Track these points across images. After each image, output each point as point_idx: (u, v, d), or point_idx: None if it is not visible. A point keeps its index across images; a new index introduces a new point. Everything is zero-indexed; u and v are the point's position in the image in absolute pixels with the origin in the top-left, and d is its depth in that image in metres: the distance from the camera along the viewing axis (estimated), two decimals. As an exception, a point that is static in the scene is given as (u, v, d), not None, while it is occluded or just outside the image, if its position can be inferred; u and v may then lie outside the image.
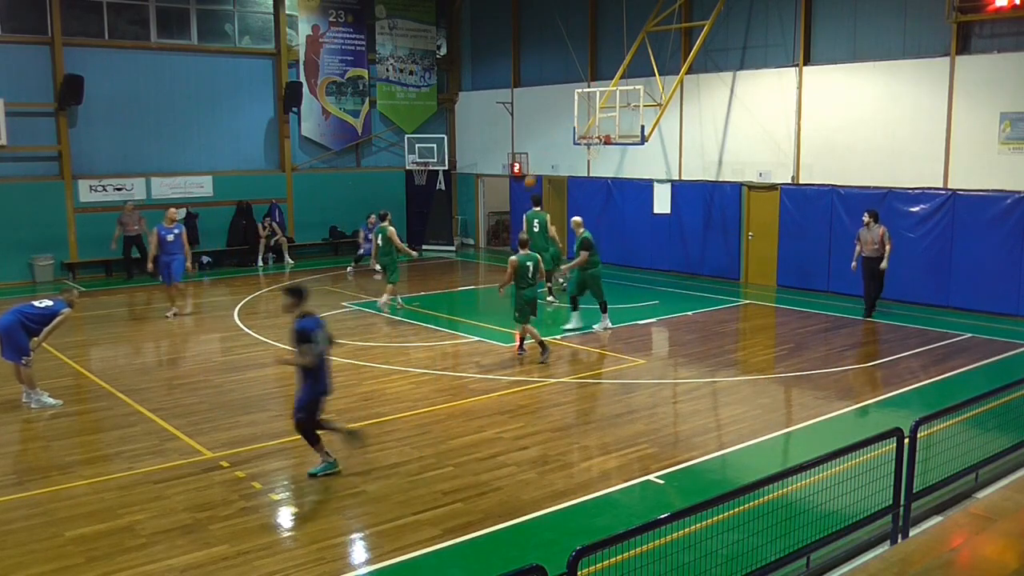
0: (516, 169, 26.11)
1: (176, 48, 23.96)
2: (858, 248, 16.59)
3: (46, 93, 22.13)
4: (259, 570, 7.15)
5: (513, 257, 13.76)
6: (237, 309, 18.12)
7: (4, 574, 7.12)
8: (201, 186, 24.44)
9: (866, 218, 16.52)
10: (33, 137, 22.05)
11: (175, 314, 17.34)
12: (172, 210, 18.04)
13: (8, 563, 7.30)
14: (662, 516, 5.87)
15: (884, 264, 16.31)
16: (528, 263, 13.76)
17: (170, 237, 17.24)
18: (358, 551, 7.73)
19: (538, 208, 18.96)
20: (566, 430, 10.55)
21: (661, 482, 8.91)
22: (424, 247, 27.31)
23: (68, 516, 8.21)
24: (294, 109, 25.64)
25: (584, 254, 15.44)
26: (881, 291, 16.87)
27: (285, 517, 8.39)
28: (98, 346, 15.52)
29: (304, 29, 25.81)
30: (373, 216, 21.26)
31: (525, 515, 8.15)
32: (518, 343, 14.16)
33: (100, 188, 23.04)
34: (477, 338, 15.43)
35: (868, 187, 18.47)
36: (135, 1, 23.31)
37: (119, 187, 23.25)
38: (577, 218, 16.49)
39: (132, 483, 9.00)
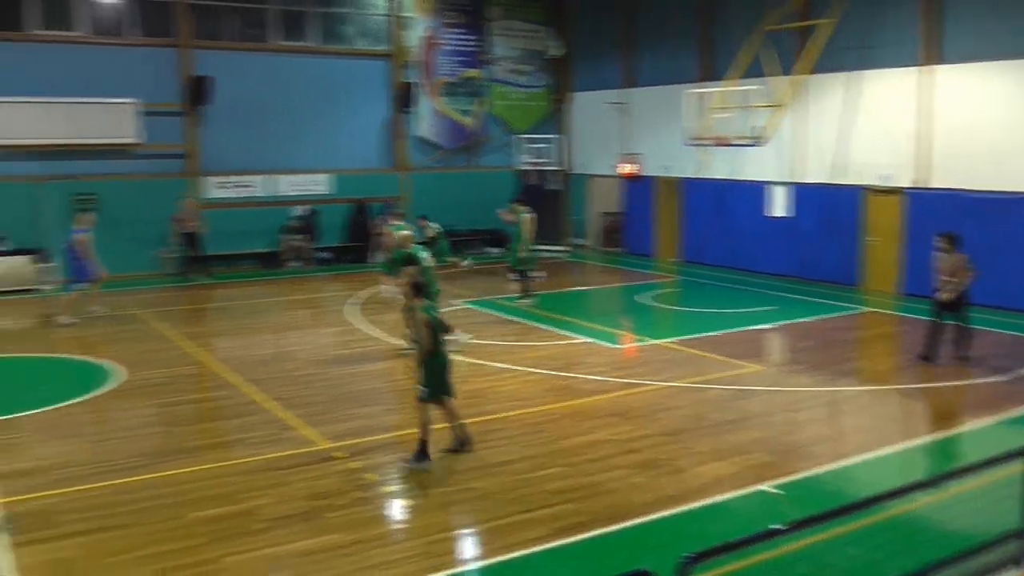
0: (627, 169, 25.95)
1: (297, 50, 24.69)
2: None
3: (177, 94, 23.09)
4: (371, 560, 7.29)
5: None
6: (351, 304, 18.53)
7: (133, 549, 7.45)
8: (320, 184, 25.12)
9: (940, 243, 13.49)
10: (164, 136, 23.02)
11: None
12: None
13: (137, 540, 7.64)
14: (778, 526, 5.73)
15: (945, 295, 13.31)
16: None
17: None
18: (467, 547, 7.82)
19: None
20: (678, 434, 10.43)
21: (776, 491, 8.72)
22: (534, 247, 27.36)
23: (193, 498, 8.54)
24: (409, 109, 26.07)
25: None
26: (965, 331, 13.61)
27: (397, 509, 8.54)
28: (221, 336, 16.09)
29: (419, 30, 26.23)
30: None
31: (635, 519, 8.08)
32: None
33: (226, 185, 23.92)
34: (587, 339, 15.40)
35: (1000, 192, 17.66)
36: (259, 5, 24.12)
37: (243, 184, 24.11)
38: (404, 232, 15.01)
39: (253, 469, 9.30)
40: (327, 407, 11.61)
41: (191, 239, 22.44)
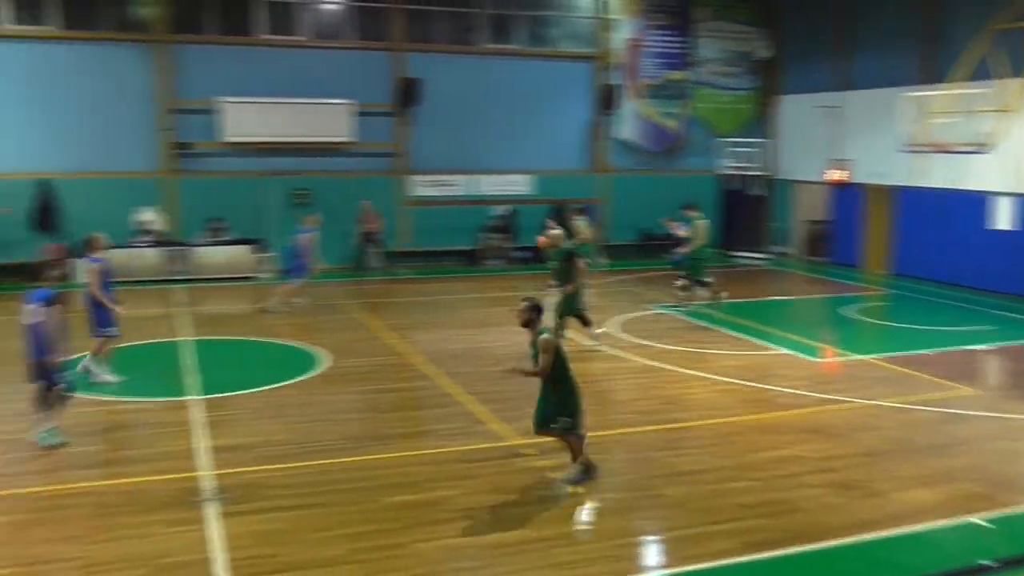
0: (836, 176, 24.87)
1: (503, 53, 25.20)
2: None
3: (388, 95, 24.10)
4: (556, 558, 7.32)
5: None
6: (546, 304, 18.71)
7: (331, 527, 7.82)
8: (520, 184, 25.54)
9: None
10: (375, 135, 24.09)
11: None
12: None
13: (335, 518, 8.01)
14: (987, 563, 5.29)
15: None
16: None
17: None
18: (653, 553, 7.72)
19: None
20: (878, 456, 9.89)
21: (987, 525, 8.10)
22: (735, 253, 26.79)
23: (387, 484, 8.86)
24: (610, 112, 26.06)
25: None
26: None
27: (584, 510, 8.54)
28: (421, 329, 16.61)
29: (624, 32, 26.15)
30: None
31: (827, 541, 7.72)
32: None
33: (431, 184, 24.76)
34: (786, 350, 14.86)
35: None
36: (468, 9, 24.78)
37: (448, 183, 24.88)
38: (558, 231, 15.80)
39: (444, 460, 9.55)
40: (519, 404, 11.72)
41: (369, 238, 23.31)
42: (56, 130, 22.09)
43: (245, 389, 12.24)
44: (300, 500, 8.42)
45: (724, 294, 18.25)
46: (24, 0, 21.64)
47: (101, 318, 12.34)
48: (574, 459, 8.97)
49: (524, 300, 9.12)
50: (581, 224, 17.97)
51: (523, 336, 14.88)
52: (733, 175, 27.26)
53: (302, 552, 7.36)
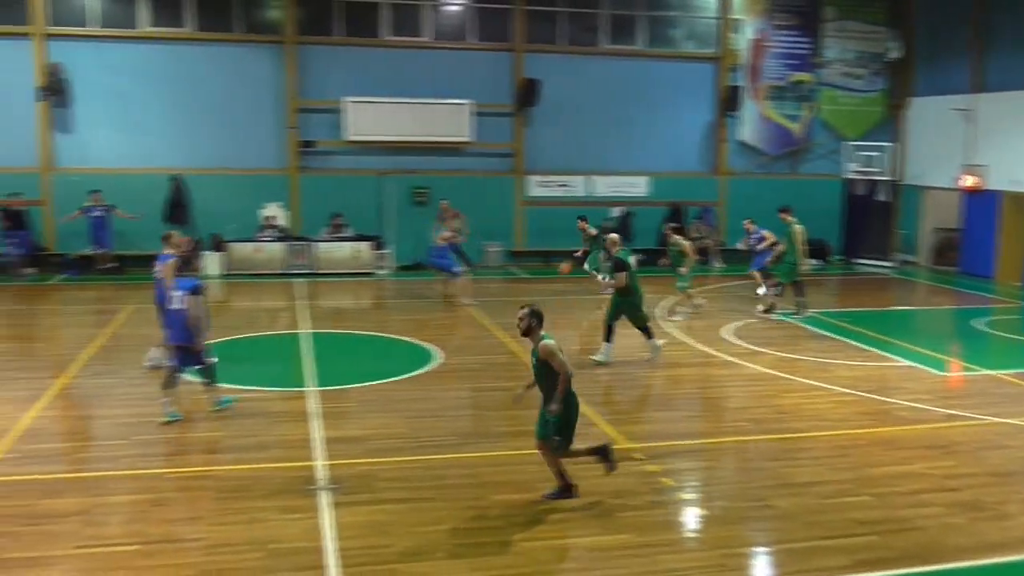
0: (969, 182, 23.80)
1: (623, 53, 25.06)
2: None
3: (507, 95, 24.28)
4: (660, 564, 7.24)
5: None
6: (660, 308, 18.53)
7: (438, 522, 7.93)
8: (637, 186, 25.35)
9: None
10: (493, 135, 24.31)
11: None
12: None
13: (442, 514, 8.12)
14: None
15: None
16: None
17: None
18: (761, 566, 7.55)
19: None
20: (1009, 477, 9.42)
21: None
22: (859, 261, 25.98)
23: (494, 481, 8.93)
24: (732, 113, 25.61)
25: (621, 275, 13.65)
26: None
27: (691, 517, 8.42)
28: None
29: (748, 32, 25.66)
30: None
31: (947, 563, 7.41)
32: None
33: (547, 184, 24.84)
34: (910, 362, 14.30)
35: None
36: (590, 10, 24.73)
37: (563, 184, 24.91)
38: (614, 235, 14.93)
39: (552, 461, 9.55)
40: (630, 407, 11.70)
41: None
42: (189, 127, 23.08)
43: (360, 382, 12.51)
44: (409, 493, 8.56)
45: (809, 311, 17.73)
46: (162, 3, 22.67)
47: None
48: (557, 476, 8.47)
49: (523, 307, 8.70)
50: (679, 239, 17.35)
51: (633, 339, 14.83)
52: (858, 180, 26.41)
53: (410, 544, 7.48)
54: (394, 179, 23.50)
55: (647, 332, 13.86)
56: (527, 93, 23.90)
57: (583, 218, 19.06)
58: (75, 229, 21.79)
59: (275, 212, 23.03)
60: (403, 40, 23.83)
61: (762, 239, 18.84)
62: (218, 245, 22.51)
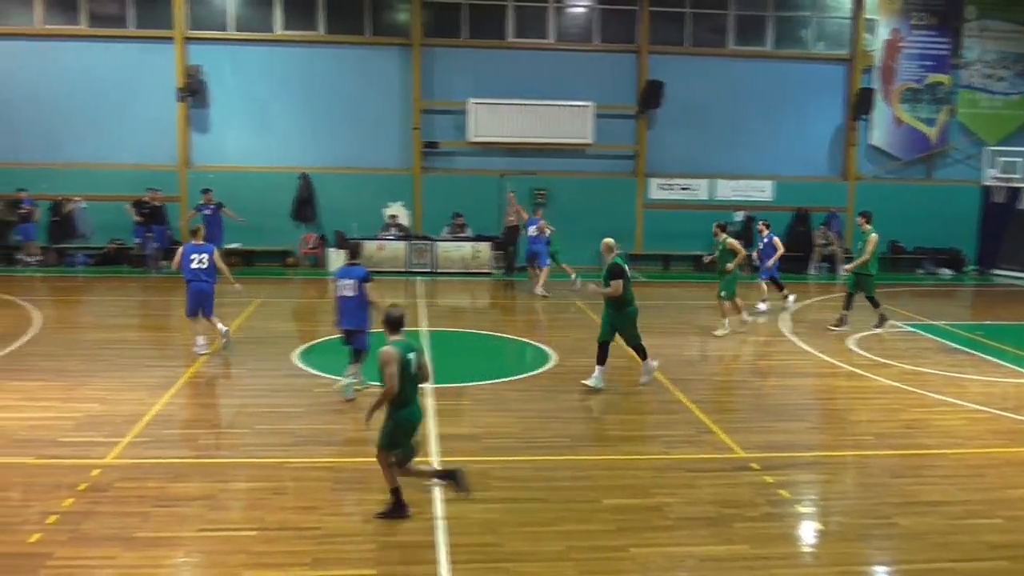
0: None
1: (750, 55, 24.56)
2: None
3: (630, 97, 24.10)
4: (776, 579, 7.04)
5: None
6: (783, 314, 18.06)
7: (548, 523, 7.89)
8: (762, 190, 24.80)
9: None
10: (614, 137, 24.18)
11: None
12: None
13: (553, 515, 8.08)
14: None
15: None
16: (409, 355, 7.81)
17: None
18: (883, 585, 7.25)
19: None
20: None
21: None
22: (997, 272, 24.76)
23: (606, 485, 8.84)
24: (863, 116, 24.77)
25: (617, 283, 12.02)
26: None
27: (808, 531, 8.14)
28: (650, 333, 16.43)
29: (883, 33, 24.79)
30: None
31: (1091, 593, 6.97)
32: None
33: (668, 187, 24.54)
34: (1050, 380, 13.53)
35: None
36: (717, 11, 24.32)
37: (685, 187, 24.58)
38: (608, 240, 12.73)
39: (666, 467, 9.40)
40: (748, 416, 11.41)
41: (512, 233, 22.79)
42: (317, 127, 23.77)
43: (475, 381, 12.60)
44: (520, 493, 8.56)
45: (889, 321, 16.80)
46: (295, 7, 23.39)
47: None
48: (390, 489, 7.92)
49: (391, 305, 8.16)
50: (731, 240, 16.52)
51: (754, 347, 14.45)
52: (998, 187, 25.17)
53: (520, 544, 7.47)
54: (515, 180, 23.61)
55: (641, 352, 12.46)
56: (650, 95, 23.66)
57: (721, 225, 18.11)
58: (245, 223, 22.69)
59: (397, 211, 23.46)
60: (527, 42, 23.95)
61: (773, 248, 17.99)
62: (342, 242, 23.07)
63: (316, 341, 15.11)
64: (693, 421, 11.07)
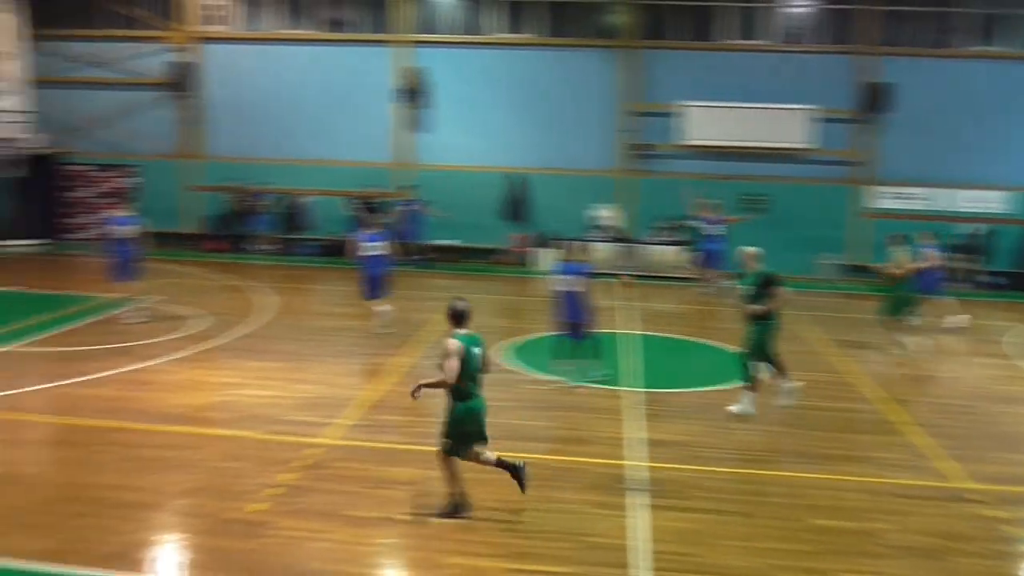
0: None
1: (990, 56, 22.88)
2: None
3: (850, 100, 23.05)
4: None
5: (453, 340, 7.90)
6: (1013, 337, 16.79)
7: (749, 539, 7.69)
8: (996, 201, 23.11)
9: None
10: (834, 142, 23.20)
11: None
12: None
13: (753, 530, 7.87)
14: None
15: None
16: (474, 349, 7.95)
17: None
18: None
19: None
20: None
21: None
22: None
23: (812, 504, 8.51)
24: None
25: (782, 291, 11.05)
26: None
27: (1038, 574, 7.53)
28: (868, 349, 15.69)
29: None
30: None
31: None
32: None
33: (889, 195, 23.31)
34: None
35: None
36: (951, 9, 22.84)
37: (908, 195, 23.27)
38: (753, 248, 11.63)
39: (878, 491, 8.94)
40: (974, 444, 10.67)
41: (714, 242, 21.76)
42: (528, 129, 24.18)
43: (680, 387, 12.45)
44: (723, 505, 8.38)
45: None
46: (513, 11, 23.91)
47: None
48: (449, 492, 7.96)
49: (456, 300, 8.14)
50: (902, 254, 14.99)
51: (982, 370, 13.50)
52: None
53: (720, 557, 7.33)
54: (727, 184, 23.11)
55: (782, 368, 11.48)
56: (875, 98, 22.54)
57: (896, 238, 16.60)
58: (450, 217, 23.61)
59: (606, 213, 23.49)
60: (744, 44, 23.39)
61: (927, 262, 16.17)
62: (549, 243, 23.37)
63: (521, 338, 15.38)
64: (910, 445, 10.47)
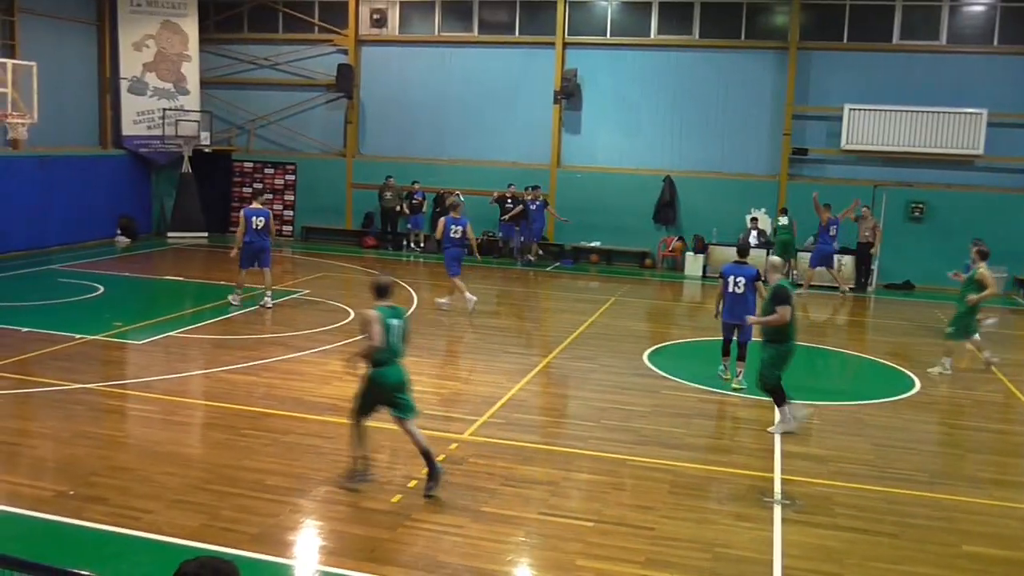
0: None
1: None
2: None
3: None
4: None
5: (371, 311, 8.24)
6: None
7: (896, 562, 7.34)
8: None
9: None
10: (1008, 148, 21.86)
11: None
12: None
13: (900, 553, 7.50)
14: None
15: None
16: (393, 320, 8.22)
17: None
18: None
19: None
20: None
21: None
22: None
23: (968, 530, 8.05)
24: None
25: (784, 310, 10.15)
26: None
27: None
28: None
29: None
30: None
31: None
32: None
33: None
34: None
35: None
36: None
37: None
38: (775, 258, 11.38)
39: (1043, 519, 8.39)
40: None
41: (863, 248, 21.67)
42: (684, 131, 23.83)
43: (830, 401, 12.02)
44: (867, 524, 8.03)
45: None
46: (671, 12, 23.64)
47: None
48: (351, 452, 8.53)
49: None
50: (983, 270, 13.49)
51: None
52: None
53: (861, 579, 7.04)
54: (890, 191, 22.12)
55: (780, 396, 10.45)
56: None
57: (981, 250, 15.18)
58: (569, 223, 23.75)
59: (761, 217, 22.89)
60: (913, 44, 22.32)
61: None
62: (701, 247, 23.01)
63: (667, 343, 15.21)
64: (1080, 472, 9.78)
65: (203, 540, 7.11)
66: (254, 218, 16.02)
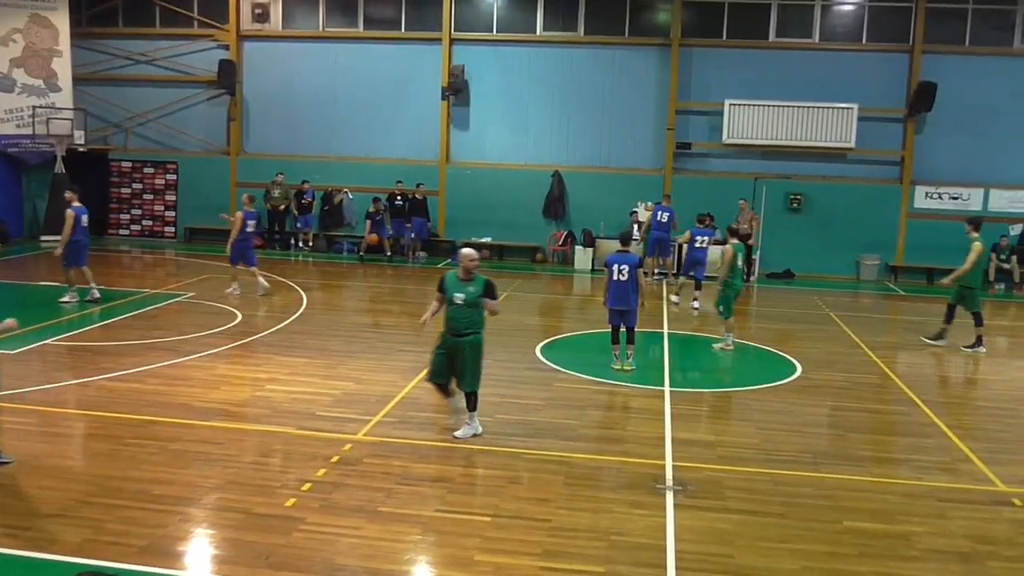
0: None
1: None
2: None
3: (898, 99, 22.71)
4: (1038, 629, 6.42)
5: None
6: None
7: (783, 540, 7.60)
8: (1045, 202, 22.68)
9: None
10: (879, 142, 22.88)
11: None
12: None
13: (788, 532, 7.78)
14: None
15: None
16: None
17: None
18: None
19: None
20: None
21: None
22: None
23: (849, 507, 8.40)
24: None
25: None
26: None
27: (1079, 582, 7.36)
28: (907, 350, 15.50)
29: None
30: None
31: None
32: None
33: (936, 195, 22.93)
34: None
35: None
36: (1005, 6, 22.42)
37: (955, 196, 22.87)
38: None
39: (915, 493, 8.81)
40: (1014, 447, 10.48)
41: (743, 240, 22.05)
42: (571, 126, 24.14)
43: (716, 388, 12.36)
44: (755, 506, 8.30)
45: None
46: (556, 8, 23.90)
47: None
48: None
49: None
50: (977, 241, 14.75)
51: (1021, 374, 13.21)
52: None
53: (752, 559, 7.26)
54: (770, 183, 22.88)
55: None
56: (922, 96, 22.19)
57: (974, 222, 16.27)
58: (461, 218, 23.77)
59: (643, 211, 23.35)
60: (790, 42, 23.15)
61: None
62: (590, 241, 23.33)
63: (559, 336, 15.37)
64: (949, 447, 10.30)
65: (86, 555, 6.83)
66: (84, 216, 16.16)
